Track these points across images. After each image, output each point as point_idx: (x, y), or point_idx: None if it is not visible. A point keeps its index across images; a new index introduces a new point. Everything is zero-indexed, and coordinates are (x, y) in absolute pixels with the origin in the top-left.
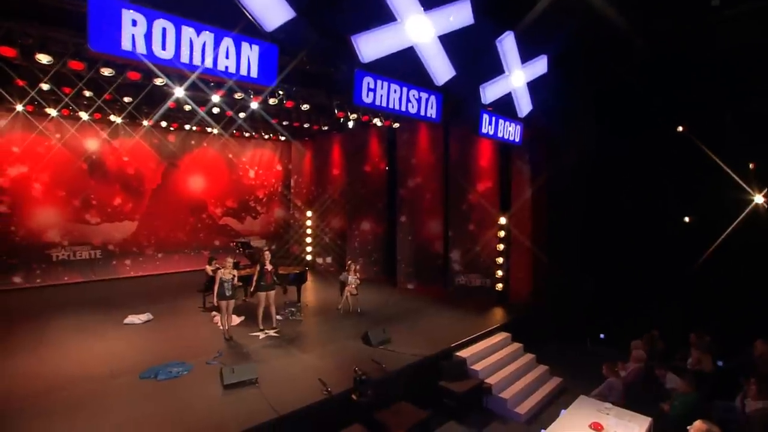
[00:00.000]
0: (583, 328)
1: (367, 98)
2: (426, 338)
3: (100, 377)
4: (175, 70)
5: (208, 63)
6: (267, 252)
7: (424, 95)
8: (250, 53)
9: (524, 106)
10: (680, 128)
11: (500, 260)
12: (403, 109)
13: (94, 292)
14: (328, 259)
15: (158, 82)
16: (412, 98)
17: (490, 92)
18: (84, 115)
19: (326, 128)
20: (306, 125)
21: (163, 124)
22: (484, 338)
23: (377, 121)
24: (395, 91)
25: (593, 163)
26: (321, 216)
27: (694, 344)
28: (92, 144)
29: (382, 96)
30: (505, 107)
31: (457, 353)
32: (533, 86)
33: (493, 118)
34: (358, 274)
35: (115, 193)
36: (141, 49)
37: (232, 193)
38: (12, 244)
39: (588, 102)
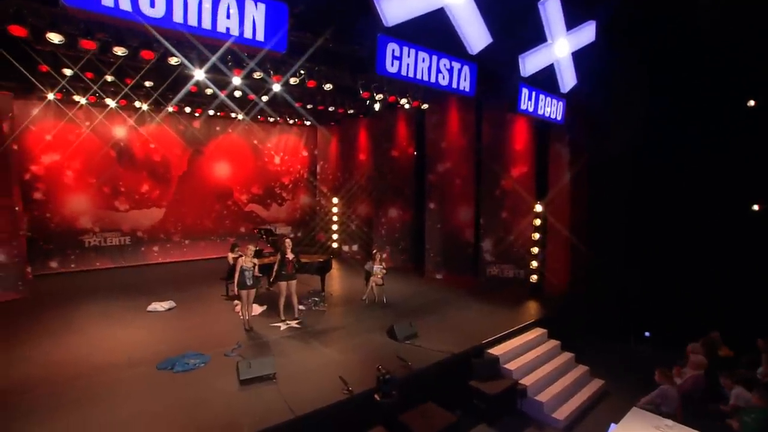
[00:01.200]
0: (626, 325)
1: (391, 67)
2: (455, 333)
3: (118, 367)
4: (171, 33)
5: (206, 23)
6: (288, 240)
7: (456, 65)
8: (255, 13)
9: (568, 79)
10: (751, 102)
11: (535, 250)
12: (433, 80)
13: (123, 278)
14: (355, 247)
15: (173, 61)
16: (442, 68)
17: (531, 63)
18: (111, 102)
19: (352, 112)
20: (331, 108)
21: (187, 109)
22: (518, 334)
23: (405, 102)
24: (423, 60)
25: (643, 143)
26: (347, 203)
27: (764, 351)
28: (120, 131)
29: (408, 65)
30: (546, 81)
31: (489, 350)
32: (578, 57)
33: (533, 93)
34: (384, 263)
35: (142, 180)
36: (125, 5)
37: (257, 179)
38: (48, 230)
39: (641, 75)
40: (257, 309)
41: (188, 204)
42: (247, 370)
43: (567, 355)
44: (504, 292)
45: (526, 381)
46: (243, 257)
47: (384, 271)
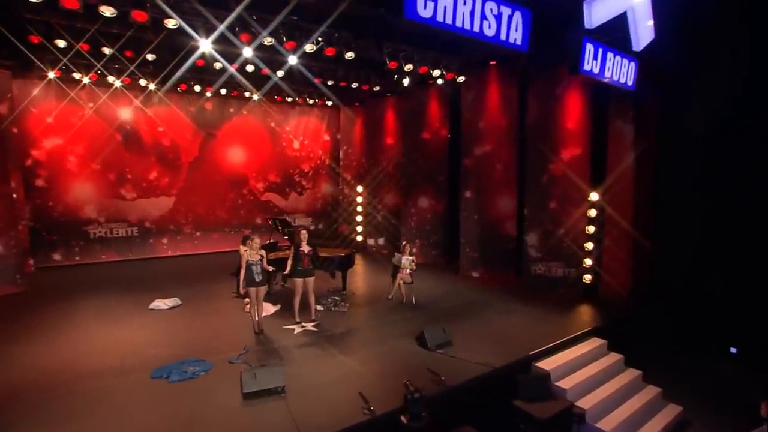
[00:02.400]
0: (705, 337)
1: (424, 11)
2: (496, 342)
3: (108, 373)
4: None
5: None
6: (303, 231)
7: (506, 10)
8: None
9: (643, 34)
10: None
11: (590, 246)
12: (476, 29)
13: (129, 272)
14: (381, 241)
15: (170, 24)
16: (488, 14)
17: (598, 11)
18: (114, 81)
19: (378, 89)
20: (354, 85)
21: (197, 88)
22: (572, 345)
23: (437, 75)
24: (465, 3)
25: (733, 118)
26: (373, 191)
27: None
28: (125, 113)
29: (445, 8)
30: (616, 35)
31: (538, 364)
32: (658, 4)
33: (600, 50)
34: (413, 257)
35: (150, 166)
36: None
37: (275, 166)
38: (51, 220)
39: (738, 29)
40: (270, 309)
41: (200, 192)
42: (252, 382)
43: (633, 373)
44: (552, 293)
45: (584, 403)
46: (247, 250)
47: (413, 265)
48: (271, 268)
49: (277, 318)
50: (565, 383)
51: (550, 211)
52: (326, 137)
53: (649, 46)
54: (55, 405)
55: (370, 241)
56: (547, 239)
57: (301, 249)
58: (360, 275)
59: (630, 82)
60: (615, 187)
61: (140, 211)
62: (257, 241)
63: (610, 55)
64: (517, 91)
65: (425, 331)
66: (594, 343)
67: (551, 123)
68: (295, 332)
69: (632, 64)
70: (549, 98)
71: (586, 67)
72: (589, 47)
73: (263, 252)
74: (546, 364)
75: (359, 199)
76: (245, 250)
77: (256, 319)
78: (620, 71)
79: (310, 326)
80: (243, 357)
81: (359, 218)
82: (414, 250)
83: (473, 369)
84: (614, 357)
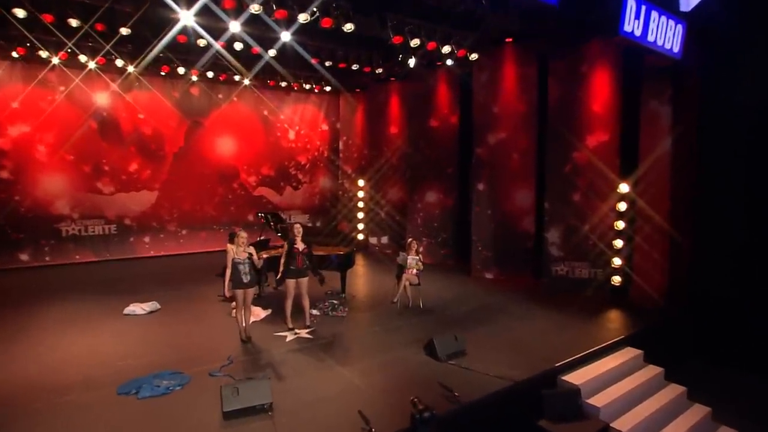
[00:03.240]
0: (758, 350)
1: None
2: (516, 352)
3: (72, 388)
4: None
5: None
6: (298, 226)
7: None
8: None
9: None
10: None
11: (619, 243)
12: None
13: (106, 273)
14: (384, 239)
15: None
16: None
17: None
18: (88, 62)
19: (381, 71)
20: (355, 67)
21: (181, 71)
22: (603, 355)
23: (447, 52)
24: None
25: None
26: (376, 186)
27: None
28: (101, 98)
29: None
30: None
31: (565, 377)
32: None
33: (643, 8)
34: (420, 255)
35: (130, 157)
36: None
37: (268, 158)
38: (17, 216)
39: None
40: (260, 313)
41: (185, 187)
42: (234, 399)
43: (676, 389)
44: (576, 297)
45: (622, 425)
46: (234, 247)
47: (420, 265)
48: (264, 256)
49: (268, 324)
50: (597, 400)
51: (573, 204)
52: (324, 127)
53: (700, 7)
54: (7, 427)
55: (373, 240)
56: (570, 236)
57: (295, 246)
58: (361, 277)
59: (676, 48)
60: (648, 177)
61: (119, 206)
62: (244, 235)
63: (654, 14)
64: (536, 70)
65: (435, 339)
66: (628, 353)
67: (575, 106)
68: (287, 340)
69: (679, 26)
70: (572, 78)
71: (627, 27)
72: (631, 3)
73: (252, 249)
74: (575, 378)
75: (361, 194)
76: (232, 248)
77: (243, 325)
78: (665, 35)
79: (304, 333)
80: (226, 369)
81: (360, 215)
82: (420, 248)
83: (491, 383)
84: (653, 370)
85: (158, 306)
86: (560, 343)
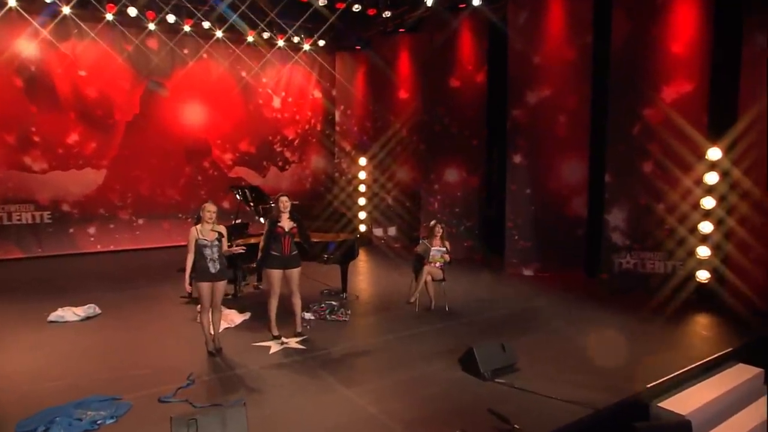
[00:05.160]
0: None
1: None
2: (582, 368)
3: None
4: None
5: None
6: (284, 198)
7: None
8: None
9: None
10: None
11: (707, 227)
12: None
13: (35, 272)
14: (391, 231)
15: None
16: None
17: None
18: None
19: (388, 15)
20: (357, 8)
21: (133, 12)
22: (705, 375)
23: None
24: None
25: None
26: (381, 165)
27: None
28: (28, 48)
29: None
30: None
31: (661, 404)
32: None
33: None
34: (448, 244)
35: (68, 125)
36: None
37: (247, 131)
38: None
39: None
40: (235, 318)
41: (142, 165)
42: None
43: None
44: (649, 298)
45: None
46: (198, 227)
47: (447, 257)
48: (238, 249)
49: (245, 331)
50: None
51: (644, 177)
52: (317, 93)
53: None
54: None
55: (377, 231)
56: (639, 219)
57: (279, 225)
58: (363, 274)
59: None
60: (748, 139)
61: (54, 188)
62: (212, 208)
63: None
64: (591, 4)
65: (475, 348)
66: (742, 372)
67: (648, 47)
68: (272, 352)
69: None
70: (644, 10)
71: None
72: None
73: (222, 228)
74: (676, 406)
75: (362, 176)
76: (196, 228)
77: (211, 332)
78: None
79: (293, 343)
80: (183, 392)
81: (362, 201)
82: (443, 231)
83: (560, 410)
84: None
85: (97, 310)
86: (640, 357)
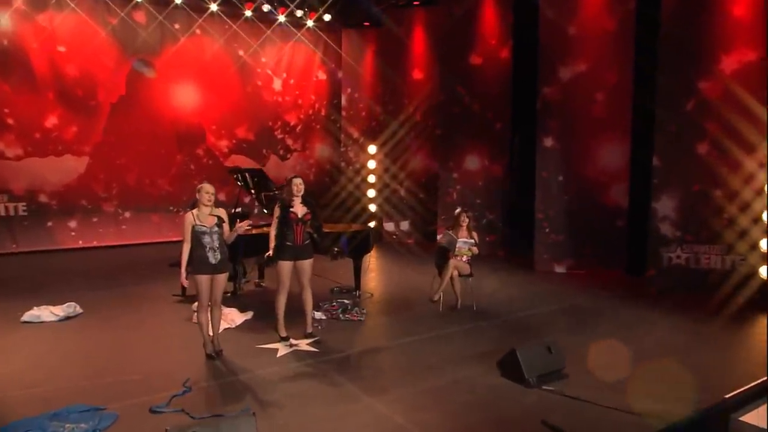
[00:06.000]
0: None
1: None
2: (644, 375)
3: None
4: None
5: None
6: (298, 180)
7: None
8: None
9: None
10: None
11: None
12: None
13: (9, 270)
14: (404, 225)
15: None
16: None
17: None
18: None
19: None
20: None
21: None
22: None
23: None
24: None
25: None
26: (392, 153)
27: None
28: (0, 20)
29: None
30: None
31: (743, 418)
32: None
33: None
34: (476, 234)
35: (46, 107)
36: None
37: (245, 115)
38: None
39: None
40: (236, 317)
41: (129, 152)
42: None
43: None
44: (707, 297)
45: None
46: (195, 211)
47: (475, 249)
48: (245, 226)
49: (248, 332)
50: None
51: (697, 161)
52: (322, 75)
53: None
54: None
55: (389, 226)
56: (693, 208)
57: (292, 210)
58: (374, 271)
59: None
60: None
61: (30, 177)
62: (210, 189)
63: None
64: None
65: (518, 351)
66: None
67: (704, 10)
68: (280, 355)
69: None
70: None
71: None
72: None
73: (222, 212)
74: (759, 419)
75: (371, 165)
76: (193, 213)
77: (210, 332)
78: None
79: (304, 345)
80: (178, 400)
81: (371, 192)
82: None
83: (624, 423)
84: None
85: (78, 310)
86: (708, 364)
